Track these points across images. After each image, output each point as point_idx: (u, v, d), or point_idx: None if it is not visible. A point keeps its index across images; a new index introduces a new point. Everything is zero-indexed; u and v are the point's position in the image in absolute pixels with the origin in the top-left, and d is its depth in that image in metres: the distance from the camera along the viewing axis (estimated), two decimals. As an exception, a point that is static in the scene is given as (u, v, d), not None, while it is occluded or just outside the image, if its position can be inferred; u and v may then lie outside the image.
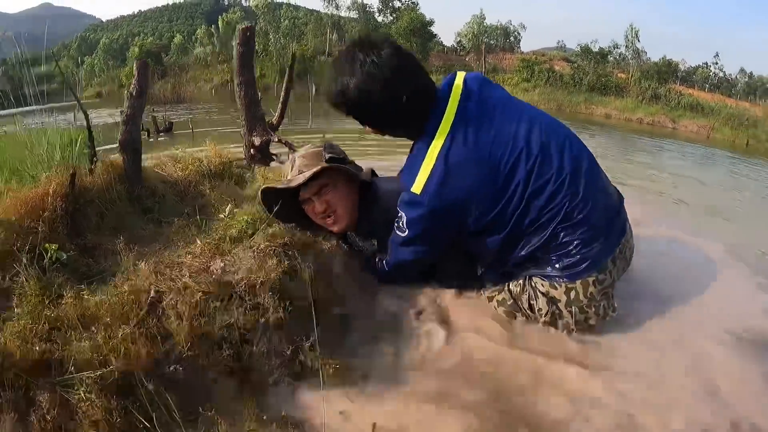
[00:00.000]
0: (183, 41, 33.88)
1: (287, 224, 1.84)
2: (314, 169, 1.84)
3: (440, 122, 1.61)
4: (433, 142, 1.60)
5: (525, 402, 1.41)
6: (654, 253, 2.37)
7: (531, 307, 1.76)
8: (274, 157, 2.87)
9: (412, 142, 1.77)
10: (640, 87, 21.37)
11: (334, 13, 34.26)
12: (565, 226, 1.62)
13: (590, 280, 1.65)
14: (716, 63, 33.02)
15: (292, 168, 1.96)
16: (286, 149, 2.80)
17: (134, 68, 2.14)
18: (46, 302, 1.33)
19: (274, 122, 2.83)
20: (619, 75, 24.08)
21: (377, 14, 34.08)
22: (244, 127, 2.72)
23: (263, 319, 1.34)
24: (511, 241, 1.70)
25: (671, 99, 19.82)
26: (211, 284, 1.36)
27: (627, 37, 25.12)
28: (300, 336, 1.39)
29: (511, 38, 34.17)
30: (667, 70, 24.75)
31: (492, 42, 32.18)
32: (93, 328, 1.23)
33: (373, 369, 1.49)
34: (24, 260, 1.49)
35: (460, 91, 1.67)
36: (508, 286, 1.83)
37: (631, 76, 23.42)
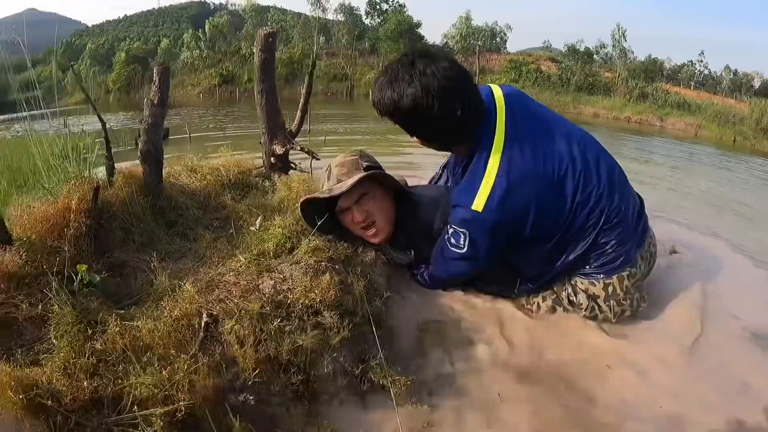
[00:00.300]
0: (170, 45, 33.57)
1: (326, 235, 1.78)
2: (358, 176, 1.77)
3: (493, 138, 1.63)
4: (491, 160, 1.61)
5: (587, 400, 1.45)
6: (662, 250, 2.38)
7: (571, 302, 1.86)
8: (293, 165, 2.76)
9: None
10: (628, 86, 21.56)
11: (321, 16, 34.15)
12: (605, 230, 1.72)
13: (624, 274, 1.77)
14: (701, 61, 33.50)
15: (329, 177, 1.89)
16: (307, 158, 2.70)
17: (155, 74, 2.02)
18: (88, 331, 1.21)
19: (294, 130, 2.72)
20: (606, 74, 24.27)
21: (364, 17, 34.06)
22: (265, 135, 2.60)
23: (328, 339, 1.25)
24: (557, 250, 1.78)
25: (658, 97, 20.04)
26: (266, 305, 1.25)
27: (614, 36, 25.33)
28: (364, 354, 1.34)
29: (498, 39, 34.27)
30: (653, 69, 25.01)
31: (479, 43, 32.25)
32: (145, 359, 1.12)
33: (435, 380, 1.45)
34: (54, 284, 1.38)
35: (504, 105, 1.70)
36: (549, 285, 1.91)
37: (618, 75, 23.63)
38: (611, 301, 1.79)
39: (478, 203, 1.61)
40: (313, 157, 2.66)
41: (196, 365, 1.07)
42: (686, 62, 33.37)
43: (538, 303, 1.92)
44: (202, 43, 31.54)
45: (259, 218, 1.93)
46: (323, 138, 6.60)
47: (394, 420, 1.21)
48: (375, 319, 1.49)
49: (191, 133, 7.77)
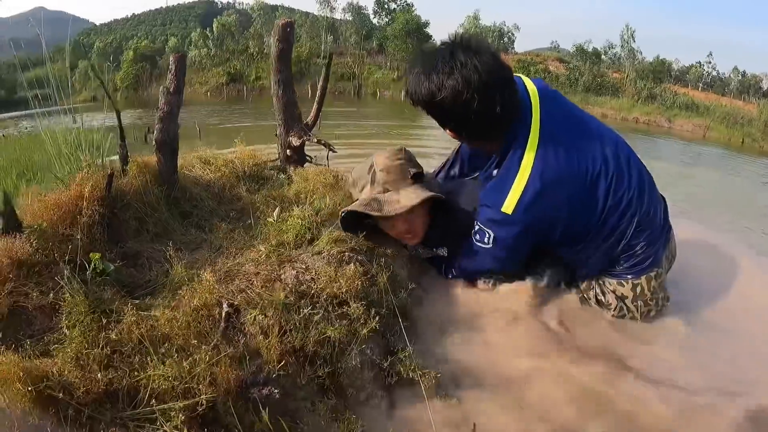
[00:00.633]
0: (178, 44, 33.68)
1: (352, 232, 1.70)
2: (417, 200, 1.68)
3: (528, 136, 1.57)
4: (525, 159, 1.55)
5: (618, 391, 1.40)
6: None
7: (599, 302, 1.83)
8: (309, 158, 2.70)
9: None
10: (636, 87, 21.42)
11: (329, 15, 34.17)
12: (636, 233, 1.69)
13: (652, 274, 1.75)
14: (710, 62, 33.23)
15: (373, 182, 1.79)
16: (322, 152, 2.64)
17: (171, 62, 1.96)
18: (102, 321, 1.15)
19: (309, 122, 2.66)
20: (614, 75, 24.14)
21: (372, 16, 34.04)
22: (281, 127, 2.54)
23: (355, 331, 1.18)
24: (586, 253, 1.75)
25: (666, 98, 19.91)
26: (289, 294, 1.19)
27: (623, 37, 25.15)
28: (391, 346, 1.29)
29: (505, 39, 34.16)
30: (661, 70, 24.85)
31: (487, 43, 32.17)
32: (163, 350, 1.06)
33: (463, 373, 1.39)
34: (66, 272, 1.32)
35: (540, 102, 1.63)
36: (576, 283, 1.89)
37: (627, 76, 23.48)
38: (639, 302, 1.77)
39: (509, 205, 1.55)
40: (330, 150, 2.60)
41: (218, 357, 1.00)
42: (694, 63, 33.14)
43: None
44: (210, 41, 31.59)
45: (277, 209, 1.87)
46: (335, 133, 6.57)
47: (426, 414, 1.14)
48: (401, 311, 1.42)
49: (200, 129, 7.73)
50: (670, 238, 1.88)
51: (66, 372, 1.01)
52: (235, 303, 1.17)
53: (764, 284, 2.13)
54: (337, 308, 1.22)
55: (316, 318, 1.15)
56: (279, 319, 1.11)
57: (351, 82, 28.76)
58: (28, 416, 0.97)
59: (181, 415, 0.90)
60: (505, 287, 1.85)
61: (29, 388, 0.95)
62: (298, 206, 1.88)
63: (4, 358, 0.98)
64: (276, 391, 1.01)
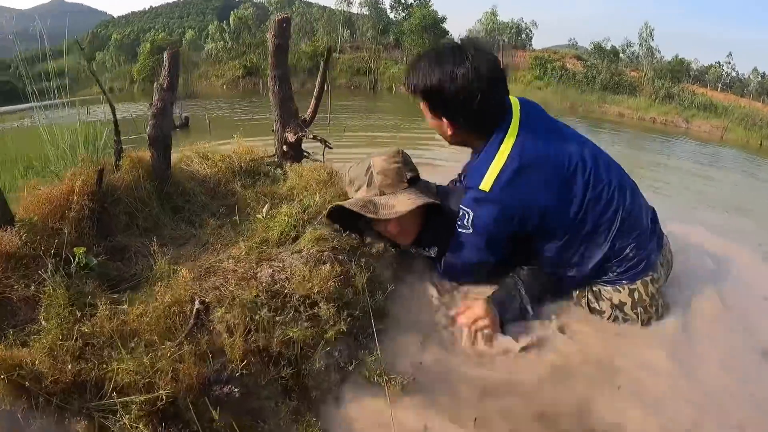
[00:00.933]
0: (195, 37, 33.88)
1: (339, 229, 1.74)
2: (413, 205, 1.71)
3: (508, 128, 1.64)
4: (503, 144, 1.61)
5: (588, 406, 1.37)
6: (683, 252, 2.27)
7: (592, 309, 1.81)
8: (306, 154, 2.72)
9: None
10: (654, 86, 21.11)
11: (346, 9, 34.14)
12: (621, 233, 1.69)
13: (648, 279, 1.74)
14: (729, 62, 32.57)
15: (370, 183, 1.79)
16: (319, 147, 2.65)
17: (165, 58, 1.99)
18: (78, 314, 1.17)
19: (307, 118, 2.67)
20: (632, 74, 23.81)
21: (389, 11, 33.94)
22: (277, 123, 2.56)
23: (323, 333, 1.19)
24: (571, 250, 1.72)
25: (684, 98, 19.58)
26: (261, 293, 1.20)
27: (641, 35, 24.75)
28: (361, 348, 1.29)
29: (523, 35, 33.85)
30: (680, 69, 24.47)
31: (504, 39, 31.93)
32: (132, 345, 1.09)
33: (437, 380, 1.37)
34: (50, 265, 1.35)
35: (520, 107, 1.72)
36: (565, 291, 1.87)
37: (645, 74, 23.14)
38: (638, 308, 1.75)
39: (486, 182, 1.60)
40: (326, 146, 2.61)
41: (181, 353, 1.02)
42: (713, 63, 32.40)
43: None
44: (226, 34, 31.76)
45: (266, 206, 1.89)
46: (343, 129, 6.56)
47: (389, 420, 1.15)
48: (376, 313, 1.43)
49: (210, 121, 7.80)
50: (664, 245, 1.88)
51: (38, 362, 1.04)
52: (207, 300, 1.19)
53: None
54: (307, 309, 1.23)
55: (281, 319, 1.16)
56: (245, 319, 1.13)
57: (367, 76, 28.71)
58: (1, 403, 1.01)
59: (139, 409, 0.93)
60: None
61: (2, 377, 0.99)
62: (288, 203, 1.91)
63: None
64: (236, 389, 1.03)
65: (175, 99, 2.03)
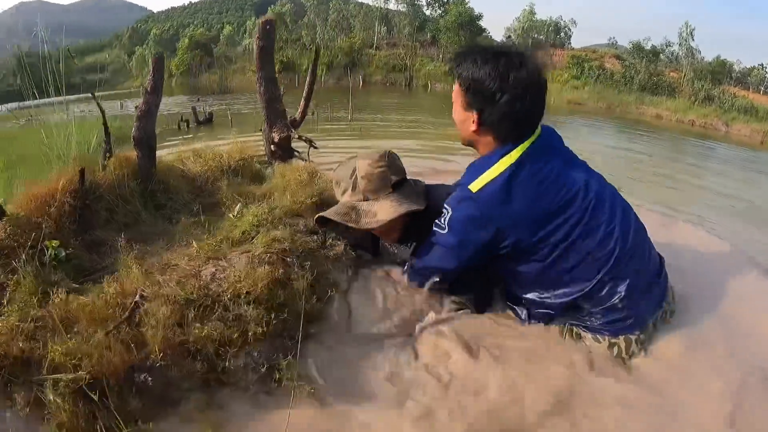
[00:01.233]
0: (233, 32, 34.52)
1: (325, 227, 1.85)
2: (396, 213, 1.72)
3: (522, 143, 1.62)
4: (509, 155, 1.59)
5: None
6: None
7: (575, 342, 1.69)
8: (296, 153, 2.83)
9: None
10: (693, 87, 20.47)
11: (383, 6, 34.20)
12: (613, 276, 1.58)
13: (633, 338, 1.61)
14: (774, 65, 31.12)
15: (354, 187, 1.81)
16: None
17: (150, 64, 2.13)
18: (34, 300, 1.32)
19: (297, 118, 2.79)
20: (671, 74, 23.14)
21: (426, 8, 33.83)
22: (264, 123, 2.69)
23: (244, 332, 1.29)
24: (550, 278, 1.65)
25: (725, 101, 18.91)
26: (196, 291, 1.32)
27: (681, 35, 23.97)
28: (281, 351, 1.34)
29: (562, 34, 33.21)
30: (721, 71, 23.57)
31: (541, 38, 31.42)
32: (75, 329, 1.22)
33: (355, 392, 1.37)
34: (23, 256, 1.50)
35: (542, 131, 1.69)
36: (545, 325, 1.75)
37: (684, 75, 22.45)
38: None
39: (477, 184, 1.58)
40: (312, 146, 2.72)
41: (109, 340, 1.15)
42: (756, 65, 31.00)
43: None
44: (263, 30, 32.26)
45: (238, 205, 2.01)
46: (359, 128, 6.70)
47: (285, 424, 1.18)
48: (314, 317, 1.51)
49: (241, 117, 8.02)
50: (665, 306, 1.74)
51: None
52: (146, 294, 1.31)
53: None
54: (236, 308, 1.32)
55: (211, 316, 1.27)
56: (173, 314, 1.24)
57: (402, 73, 28.75)
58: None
59: (66, 386, 1.06)
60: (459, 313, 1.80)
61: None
62: (260, 203, 2.02)
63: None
64: (150, 378, 1.15)
65: (159, 101, 2.17)
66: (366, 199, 1.78)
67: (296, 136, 2.66)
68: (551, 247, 1.58)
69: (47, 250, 1.60)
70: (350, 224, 1.74)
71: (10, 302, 1.35)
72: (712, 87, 20.46)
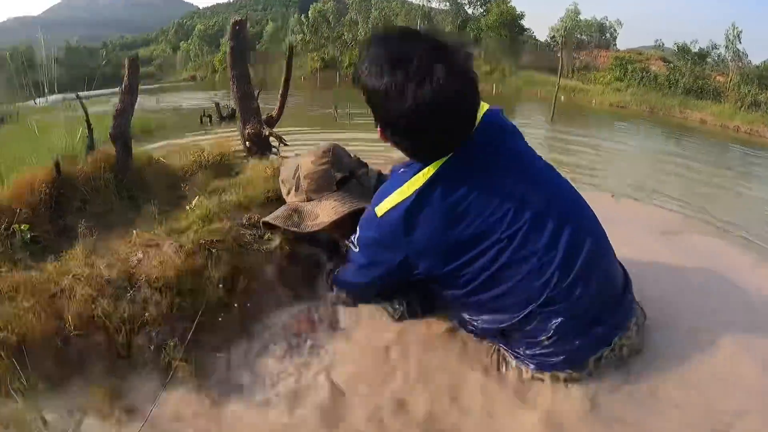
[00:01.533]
0: (275, 29, 35.22)
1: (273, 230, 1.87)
2: (336, 218, 1.71)
3: (440, 159, 1.41)
4: (420, 174, 1.41)
5: None
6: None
7: (498, 368, 1.52)
8: (274, 148, 3.01)
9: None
10: (739, 92, 19.70)
11: (425, 4, 34.25)
12: (543, 311, 1.38)
13: (562, 376, 1.42)
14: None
15: (297, 188, 1.83)
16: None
17: (125, 66, 2.36)
18: None
19: (274, 115, 2.98)
20: (717, 78, 22.32)
21: (467, 6, 33.69)
22: (239, 120, 2.88)
23: (146, 313, 1.49)
24: (474, 305, 1.51)
25: (773, 106, 18.18)
26: (118, 273, 1.54)
27: (727, 37, 23.06)
28: (177, 334, 1.50)
29: (607, 35, 32.45)
30: (769, 75, 22.59)
31: (586, 38, 30.78)
32: (20, 298, 1.45)
33: (232, 379, 1.49)
34: (-6, 237, 1.77)
35: (477, 136, 1.44)
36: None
37: (730, 80, 21.61)
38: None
39: (383, 207, 1.44)
40: (282, 143, 2.89)
41: (35, 309, 1.38)
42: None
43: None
44: (305, 27, 32.85)
45: (196, 198, 2.22)
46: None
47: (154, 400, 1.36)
48: (216, 306, 1.64)
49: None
50: (621, 338, 1.46)
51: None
52: (77, 273, 1.54)
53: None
54: (146, 292, 1.53)
55: (124, 296, 1.49)
56: (93, 291, 1.47)
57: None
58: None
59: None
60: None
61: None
62: (217, 195, 2.23)
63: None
64: (65, 346, 1.38)
65: (135, 101, 2.41)
66: (309, 200, 1.78)
67: (267, 132, 2.84)
68: (469, 276, 1.42)
69: (18, 233, 1.86)
70: (292, 229, 1.74)
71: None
72: (759, 92, 19.62)
